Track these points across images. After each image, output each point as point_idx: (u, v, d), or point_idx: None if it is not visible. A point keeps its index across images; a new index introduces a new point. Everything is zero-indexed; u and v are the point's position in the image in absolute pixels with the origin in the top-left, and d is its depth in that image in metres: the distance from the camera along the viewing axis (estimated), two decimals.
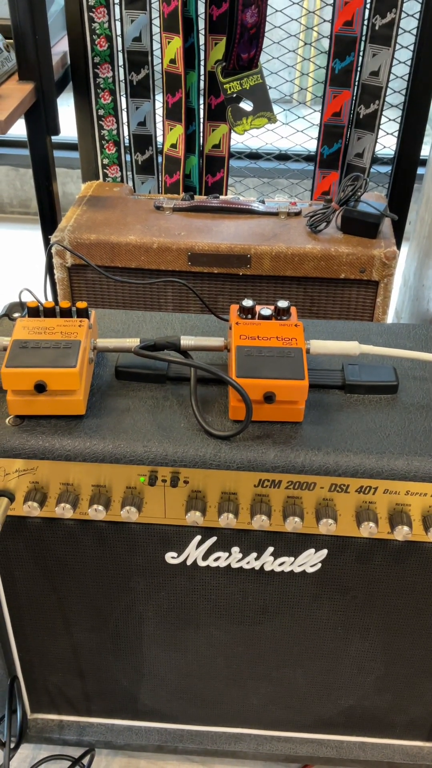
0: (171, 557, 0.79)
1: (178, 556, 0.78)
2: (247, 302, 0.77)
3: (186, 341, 0.77)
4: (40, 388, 0.69)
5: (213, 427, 0.72)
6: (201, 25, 1.38)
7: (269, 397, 0.70)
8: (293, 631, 0.85)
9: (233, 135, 1.48)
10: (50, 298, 1.35)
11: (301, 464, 0.69)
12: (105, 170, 1.56)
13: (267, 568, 0.78)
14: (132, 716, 0.98)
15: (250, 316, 0.77)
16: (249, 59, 1.31)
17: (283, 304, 0.77)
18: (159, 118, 1.51)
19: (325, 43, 1.43)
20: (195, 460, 0.70)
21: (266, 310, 0.76)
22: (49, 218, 1.46)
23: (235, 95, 1.36)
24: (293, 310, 0.78)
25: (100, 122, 1.50)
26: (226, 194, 1.60)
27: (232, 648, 0.88)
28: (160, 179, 1.58)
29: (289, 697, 0.94)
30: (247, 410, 0.69)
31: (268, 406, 0.71)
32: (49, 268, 1.30)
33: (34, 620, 0.87)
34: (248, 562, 0.78)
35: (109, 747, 0.99)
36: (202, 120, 1.49)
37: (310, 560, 0.77)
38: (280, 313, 0.77)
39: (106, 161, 1.54)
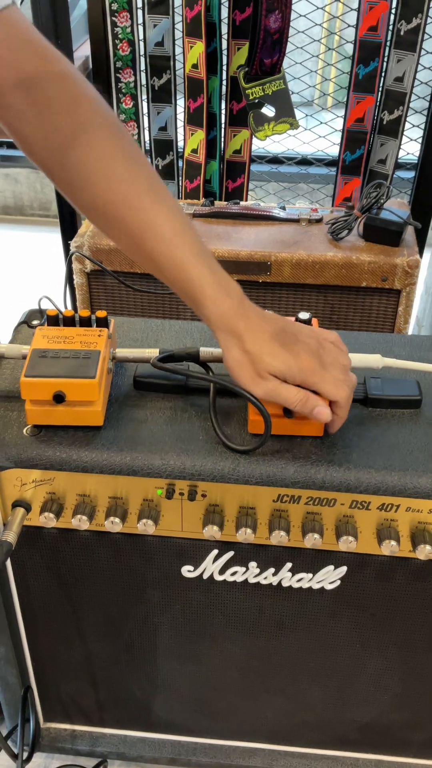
0: (187, 571, 0.78)
1: (194, 570, 0.77)
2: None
3: (205, 353, 0.76)
4: (59, 398, 0.69)
5: (232, 440, 0.71)
6: (224, 29, 1.37)
7: (289, 411, 0.68)
8: (309, 646, 0.84)
9: (254, 140, 1.47)
10: (69, 304, 1.35)
11: (321, 480, 0.68)
12: None
13: (285, 584, 0.77)
14: (145, 728, 0.97)
15: None
16: (272, 64, 1.30)
17: (304, 315, 0.76)
18: (180, 123, 1.51)
19: (347, 48, 1.41)
20: (213, 474, 0.69)
21: None
22: (69, 222, 1.46)
23: (257, 101, 1.35)
24: (314, 321, 0.77)
25: None
26: (246, 200, 1.59)
27: (246, 662, 0.87)
28: (180, 184, 1.57)
29: (304, 713, 0.92)
30: (266, 425, 0.68)
31: (287, 420, 0.69)
32: (69, 275, 1.30)
33: (48, 629, 0.87)
34: (265, 578, 0.77)
35: (122, 758, 0.98)
36: (223, 125, 1.48)
37: (329, 577, 0.75)
38: None
39: None
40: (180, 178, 1.56)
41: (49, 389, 0.69)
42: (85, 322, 0.78)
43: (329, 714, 0.91)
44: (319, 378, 0.65)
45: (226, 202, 1.41)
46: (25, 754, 0.88)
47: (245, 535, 0.71)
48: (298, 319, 0.75)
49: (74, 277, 1.33)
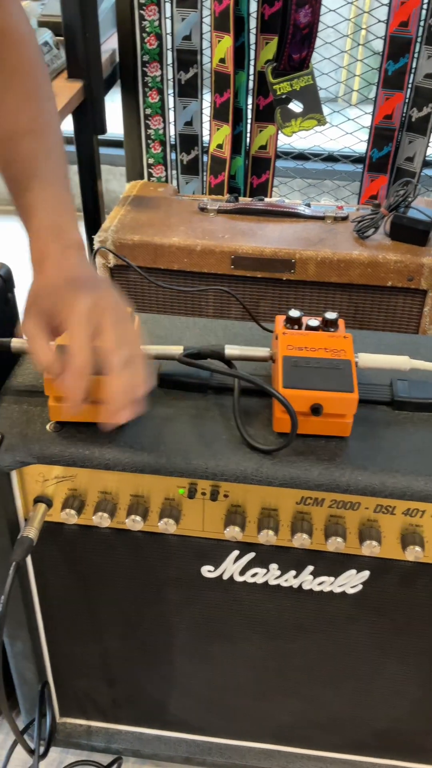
0: (207, 571, 0.77)
1: (214, 570, 0.77)
2: (294, 312, 0.75)
3: (230, 351, 0.75)
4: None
5: (256, 440, 0.70)
6: (252, 23, 1.36)
7: (316, 410, 0.67)
8: (328, 650, 0.83)
9: (279, 136, 1.46)
10: None
11: (346, 483, 0.67)
12: (150, 170, 1.55)
13: (305, 586, 0.76)
14: (161, 726, 0.97)
15: (296, 326, 0.75)
16: (300, 60, 1.28)
17: (331, 315, 0.74)
18: (206, 118, 1.50)
19: (375, 44, 1.39)
20: (236, 475, 0.68)
21: (314, 321, 0.74)
22: (92, 217, 1.46)
23: (284, 96, 1.34)
24: (341, 322, 0.75)
25: (147, 121, 1.48)
26: (270, 196, 1.57)
27: (263, 663, 0.86)
28: (204, 180, 1.56)
29: (321, 716, 0.91)
30: (292, 423, 0.67)
31: (314, 419, 0.68)
32: None
33: (66, 625, 0.86)
34: (286, 580, 0.76)
35: (137, 756, 0.98)
36: (249, 120, 1.47)
37: (351, 581, 0.74)
38: (327, 325, 0.74)
39: (151, 161, 1.53)
40: (204, 173, 1.55)
41: None
42: None
43: (346, 718, 0.90)
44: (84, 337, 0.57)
45: (250, 199, 1.40)
46: (41, 749, 0.88)
47: (267, 537, 0.70)
48: (325, 319, 0.74)
49: (97, 272, 1.32)
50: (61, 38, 1.29)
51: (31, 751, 0.74)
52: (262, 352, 0.75)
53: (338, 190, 1.86)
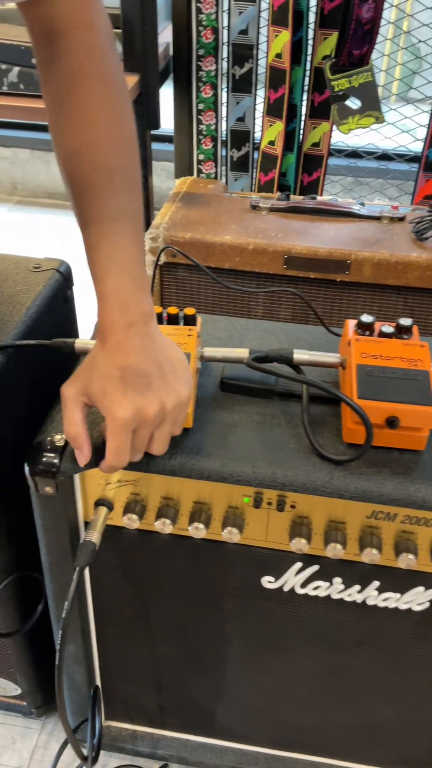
0: (267, 581, 0.75)
1: (274, 581, 0.75)
2: (367, 318, 0.72)
3: (299, 355, 0.73)
4: None
5: (325, 449, 0.67)
6: (311, 18, 1.33)
7: (392, 422, 0.65)
8: (388, 666, 0.81)
9: (332, 133, 1.42)
10: None
11: (422, 499, 0.64)
12: (200, 166, 1.53)
13: (370, 602, 0.74)
14: (207, 733, 0.95)
15: (368, 332, 0.72)
16: (360, 56, 1.25)
17: (406, 321, 0.72)
18: (258, 114, 1.47)
19: None
20: (306, 486, 0.66)
21: (388, 328, 0.71)
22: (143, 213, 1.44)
23: (341, 93, 1.31)
24: (415, 329, 0.73)
25: (199, 116, 1.46)
26: (321, 194, 1.54)
27: (319, 677, 0.84)
28: (254, 177, 1.54)
29: (374, 731, 0.89)
30: (368, 434, 0.65)
31: (388, 432, 0.66)
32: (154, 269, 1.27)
33: (118, 629, 0.85)
34: (350, 594, 0.74)
35: (182, 762, 0.97)
36: (303, 117, 1.44)
37: (418, 598, 0.72)
38: (401, 332, 0.72)
39: (201, 157, 1.51)
40: (254, 170, 1.53)
41: None
42: (173, 320, 0.75)
43: (400, 734, 0.88)
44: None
45: (301, 197, 1.37)
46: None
47: (335, 551, 0.68)
48: (399, 326, 0.71)
49: (146, 269, 1.31)
50: (117, 30, 1.27)
51: (84, 758, 0.73)
52: (332, 358, 0.73)
53: (388, 189, 1.82)
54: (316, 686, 0.85)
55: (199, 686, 0.89)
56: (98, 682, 0.91)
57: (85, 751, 0.85)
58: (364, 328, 0.72)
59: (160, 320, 0.75)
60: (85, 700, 0.91)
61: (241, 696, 0.89)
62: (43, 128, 2.64)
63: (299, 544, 0.68)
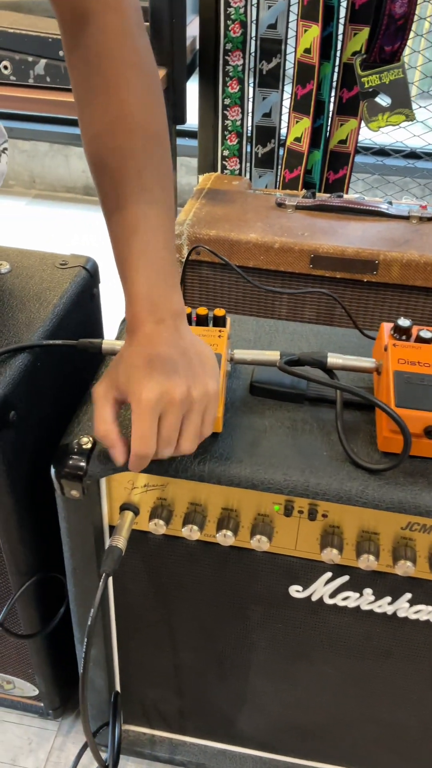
0: (295, 590, 0.73)
1: (302, 591, 0.73)
2: (404, 322, 0.70)
3: (333, 359, 0.71)
4: None
5: (360, 458, 0.66)
6: (341, 13, 1.30)
7: (430, 432, 0.63)
8: (416, 678, 0.79)
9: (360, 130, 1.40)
10: None
11: None
12: (224, 162, 1.51)
13: (400, 614, 0.72)
14: (227, 740, 0.94)
15: (404, 337, 0.70)
16: (392, 52, 1.23)
17: (427, 335, 0.70)
18: (285, 110, 1.45)
19: None
20: (339, 495, 0.64)
21: (426, 333, 0.69)
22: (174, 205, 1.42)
23: (371, 89, 1.28)
24: None
25: (225, 112, 1.44)
26: (347, 192, 1.52)
27: (344, 687, 0.82)
28: (278, 173, 1.52)
29: (398, 742, 0.87)
30: (406, 444, 0.63)
31: (426, 441, 0.64)
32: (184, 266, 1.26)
33: (140, 634, 0.84)
34: (380, 606, 0.72)
35: None
36: (330, 114, 1.41)
37: None
38: None
39: (226, 153, 1.49)
40: (279, 167, 1.51)
41: None
42: (202, 321, 0.74)
43: (424, 745, 0.86)
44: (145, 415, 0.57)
45: (327, 195, 1.34)
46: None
47: (368, 562, 0.66)
48: (396, 326, 0.69)
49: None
50: (146, 23, 1.25)
51: (104, 765, 0.71)
52: (366, 362, 0.71)
53: (411, 187, 1.79)
54: (340, 696, 0.83)
55: (221, 692, 0.88)
56: (118, 687, 0.89)
57: (104, 756, 0.84)
58: (401, 333, 0.70)
59: (189, 321, 0.73)
60: (104, 704, 0.90)
61: (264, 703, 0.87)
62: (62, 122, 2.64)
63: (330, 555, 0.66)
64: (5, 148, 0.85)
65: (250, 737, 0.92)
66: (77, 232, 2.41)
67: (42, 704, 1.01)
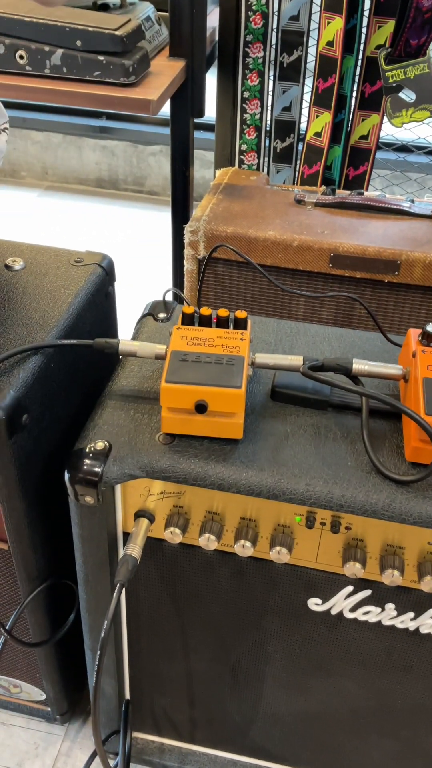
0: (314, 603, 0.71)
1: (322, 604, 0.70)
2: None
3: (359, 366, 0.68)
4: (201, 408, 0.62)
5: (387, 468, 0.63)
6: (366, 5, 1.27)
7: None
8: None
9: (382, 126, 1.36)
10: (183, 291, 1.29)
11: None
12: (242, 156, 1.47)
13: (423, 630, 0.69)
14: (238, 750, 0.92)
15: None
16: (418, 46, 1.19)
17: None
18: (305, 104, 1.41)
19: None
20: (365, 508, 0.61)
21: None
22: (181, 203, 1.39)
23: (395, 84, 1.25)
24: None
25: (244, 105, 1.41)
26: (367, 189, 1.49)
27: (362, 701, 0.80)
28: (297, 169, 1.48)
29: (417, 758, 0.85)
30: None
31: None
32: (189, 266, 1.23)
33: (152, 642, 0.82)
34: (402, 621, 0.69)
35: None
36: (352, 108, 1.38)
37: None
38: None
39: (244, 147, 1.46)
40: (298, 162, 1.47)
41: (191, 397, 0.62)
42: (223, 323, 0.71)
43: None
44: None
45: (347, 192, 1.31)
46: None
47: (392, 578, 0.63)
48: (425, 332, 0.67)
49: (185, 263, 1.26)
50: (164, 13, 1.22)
51: None
52: (394, 369, 0.68)
53: (424, 182, 1.76)
54: (358, 710, 0.81)
55: (233, 702, 0.86)
56: (128, 695, 0.87)
57: (112, 764, 0.82)
58: (430, 339, 0.67)
59: (209, 322, 0.71)
60: (113, 711, 0.88)
61: (278, 715, 0.85)
62: (76, 113, 2.61)
63: (353, 569, 0.64)
64: (6, 128, 0.82)
65: (262, 748, 0.90)
66: (88, 224, 2.38)
67: (49, 709, 0.99)
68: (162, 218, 2.40)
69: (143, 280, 1.86)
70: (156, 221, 2.46)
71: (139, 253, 2.14)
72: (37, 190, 2.67)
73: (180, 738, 0.93)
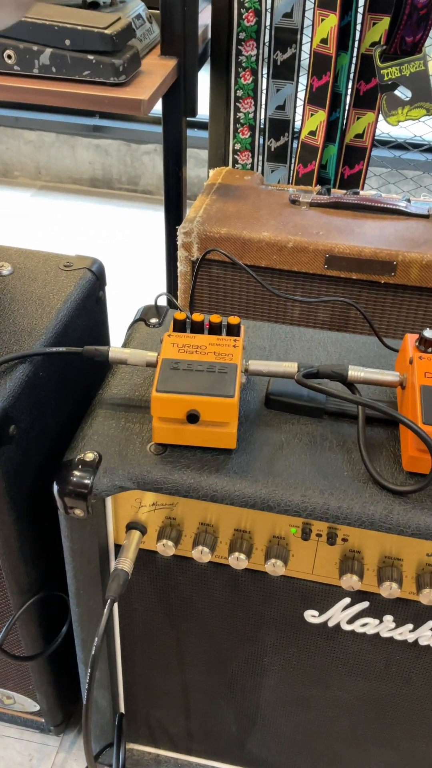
0: (311, 615, 0.69)
1: (319, 616, 0.69)
2: (429, 333, 0.66)
3: (354, 372, 0.67)
4: (193, 418, 0.61)
5: (384, 478, 0.61)
6: (360, 2, 1.25)
7: None
8: None
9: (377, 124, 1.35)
10: (173, 292, 1.27)
11: None
12: (235, 156, 1.46)
13: (422, 642, 0.68)
14: (235, 762, 0.90)
15: (431, 349, 0.66)
16: (413, 43, 1.17)
17: None
18: (299, 102, 1.39)
19: None
20: (362, 519, 0.60)
21: None
22: (174, 204, 1.37)
23: (391, 82, 1.23)
24: None
25: (237, 104, 1.39)
26: (362, 188, 1.47)
27: (361, 713, 0.78)
28: (292, 168, 1.46)
29: None
30: None
31: None
32: (195, 276, 1.21)
33: (146, 654, 0.80)
34: (401, 633, 0.68)
35: None
36: (347, 107, 1.36)
37: None
38: None
39: (237, 146, 1.44)
40: (293, 161, 1.45)
41: (182, 407, 0.61)
42: (215, 330, 0.69)
43: None
44: None
45: (343, 191, 1.29)
46: None
47: (390, 591, 0.62)
48: (422, 338, 0.65)
49: (178, 264, 1.25)
50: (155, 11, 1.20)
51: None
52: (391, 376, 0.67)
53: (428, 183, 1.74)
54: (357, 721, 0.80)
55: (230, 714, 0.84)
56: (122, 708, 0.86)
57: None
58: (427, 345, 0.66)
59: (201, 329, 0.69)
60: (107, 724, 0.87)
61: (275, 727, 0.84)
62: (69, 111, 2.58)
63: (350, 581, 0.62)
64: None
65: (259, 759, 0.89)
66: (83, 224, 2.36)
67: (43, 720, 0.97)
68: (157, 217, 2.38)
69: (138, 281, 1.84)
70: (151, 220, 2.44)
71: (133, 254, 2.12)
72: (30, 189, 2.64)
73: (176, 749, 0.92)
